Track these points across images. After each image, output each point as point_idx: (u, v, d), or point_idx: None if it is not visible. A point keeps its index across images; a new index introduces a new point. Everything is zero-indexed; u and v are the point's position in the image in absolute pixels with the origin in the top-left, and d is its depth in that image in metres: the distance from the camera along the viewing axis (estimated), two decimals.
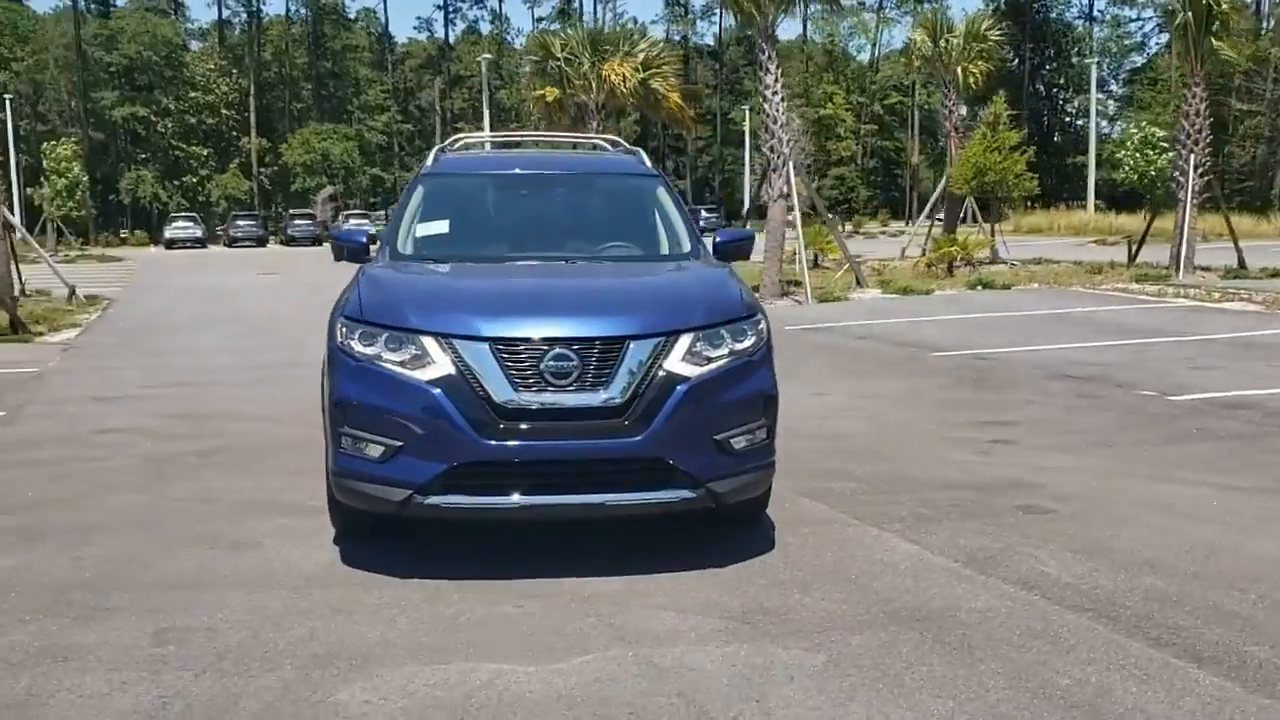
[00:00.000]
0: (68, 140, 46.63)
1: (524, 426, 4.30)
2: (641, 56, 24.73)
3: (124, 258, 43.54)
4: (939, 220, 27.47)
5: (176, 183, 71.47)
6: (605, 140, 7.35)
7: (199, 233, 53.74)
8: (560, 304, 4.74)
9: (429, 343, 4.37)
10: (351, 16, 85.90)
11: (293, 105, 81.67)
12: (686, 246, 5.69)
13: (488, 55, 53.73)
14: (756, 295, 17.11)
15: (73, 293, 21.43)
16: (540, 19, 79.90)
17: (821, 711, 3.29)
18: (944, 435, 7.23)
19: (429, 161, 6.27)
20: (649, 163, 6.35)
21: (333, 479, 4.58)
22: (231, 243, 52.63)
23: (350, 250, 5.64)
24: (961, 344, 11.53)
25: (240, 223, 54.50)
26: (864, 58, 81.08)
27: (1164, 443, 6.90)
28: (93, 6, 78.68)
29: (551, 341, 4.34)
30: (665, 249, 5.74)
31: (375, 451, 4.38)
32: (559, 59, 25.43)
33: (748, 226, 21.11)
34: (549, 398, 4.31)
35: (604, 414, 4.33)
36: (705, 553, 4.74)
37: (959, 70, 26.80)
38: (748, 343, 4.66)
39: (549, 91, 26.23)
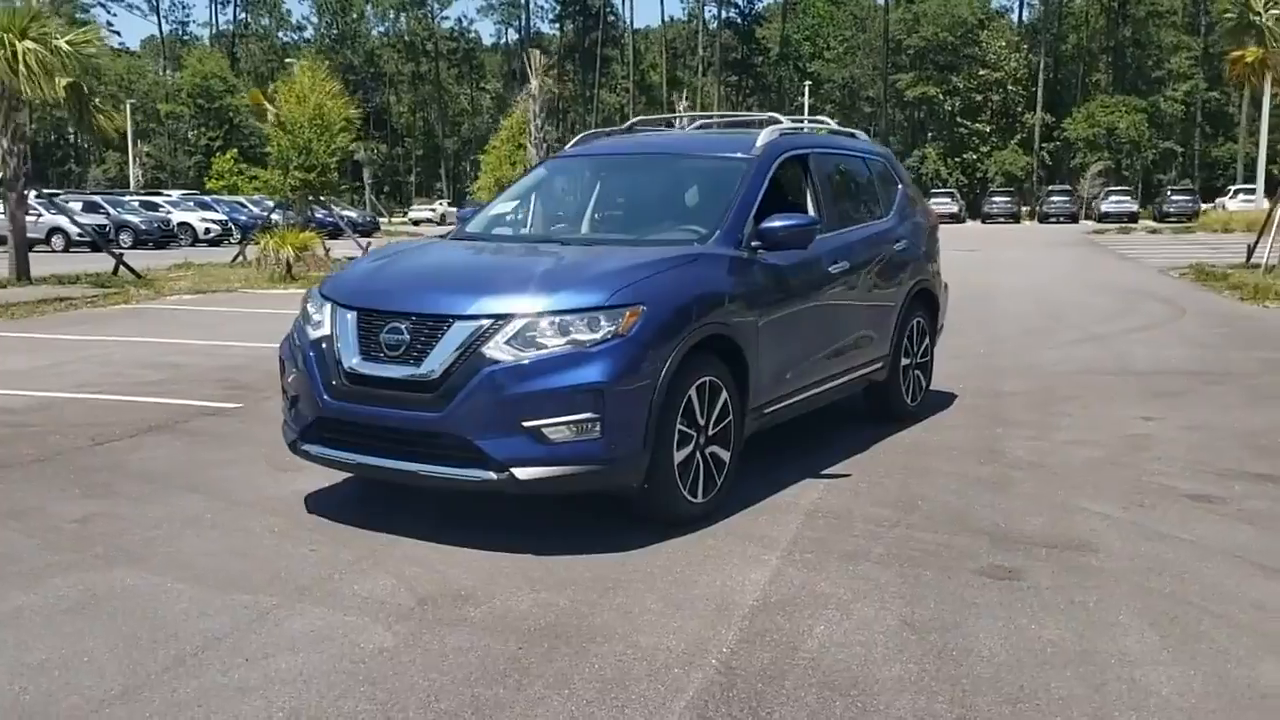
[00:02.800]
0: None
1: (357, 390, 4.76)
2: None
3: None
4: None
5: (957, 159, 73.81)
6: (765, 118, 6.98)
7: (955, 208, 55.78)
8: (428, 282, 5.05)
9: (327, 309, 5.02)
10: None
11: (1086, 78, 79.30)
12: (703, 230, 5.49)
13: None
14: None
15: None
16: None
17: (257, 671, 3.46)
18: (1161, 484, 5.72)
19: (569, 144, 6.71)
20: (762, 142, 6.04)
21: None
22: (986, 219, 55.05)
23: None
24: None
25: (996, 200, 57.35)
26: None
27: None
28: None
29: (393, 315, 4.73)
30: (682, 233, 5.60)
31: (288, 400, 5.18)
32: (1258, 12, 22.03)
33: None
34: (379, 367, 4.70)
35: (417, 387, 4.60)
36: (590, 538, 4.76)
37: None
38: (597, 334, 4.56)
39: (1249, 53, 22.88)
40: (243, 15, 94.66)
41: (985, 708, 3.27)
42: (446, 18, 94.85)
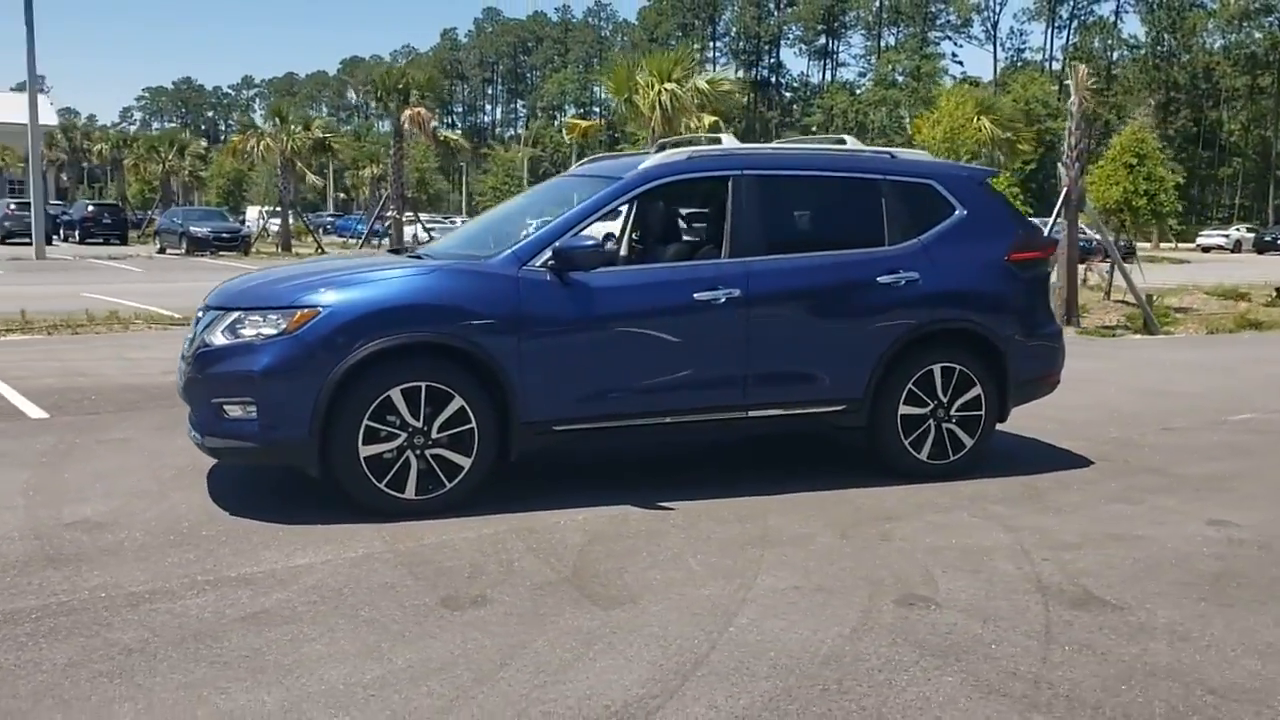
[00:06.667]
0: None
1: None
2: None
3: None
4: None
5: None
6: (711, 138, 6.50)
7: None
8: (241, 283, 6.06)
9: None
10: None
11: None
12: (496, 247, 5.85)
13: None
14: None
15: None
16: None
17: None
18: (926, 574, 4.65)
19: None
20: (645, 165, 6.05)
21: None
22: None
23: None
24: None
25: None
26: None
27: None
28: None
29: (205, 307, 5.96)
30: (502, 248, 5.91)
31: None
32: None
33: None
34: (186, 346, 5.89)
35: (185, 362, 5.68)
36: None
37: None
38: (272, 330, 5.33)
39: None
40: (1074, 39, 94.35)
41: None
42: None
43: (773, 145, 6.80)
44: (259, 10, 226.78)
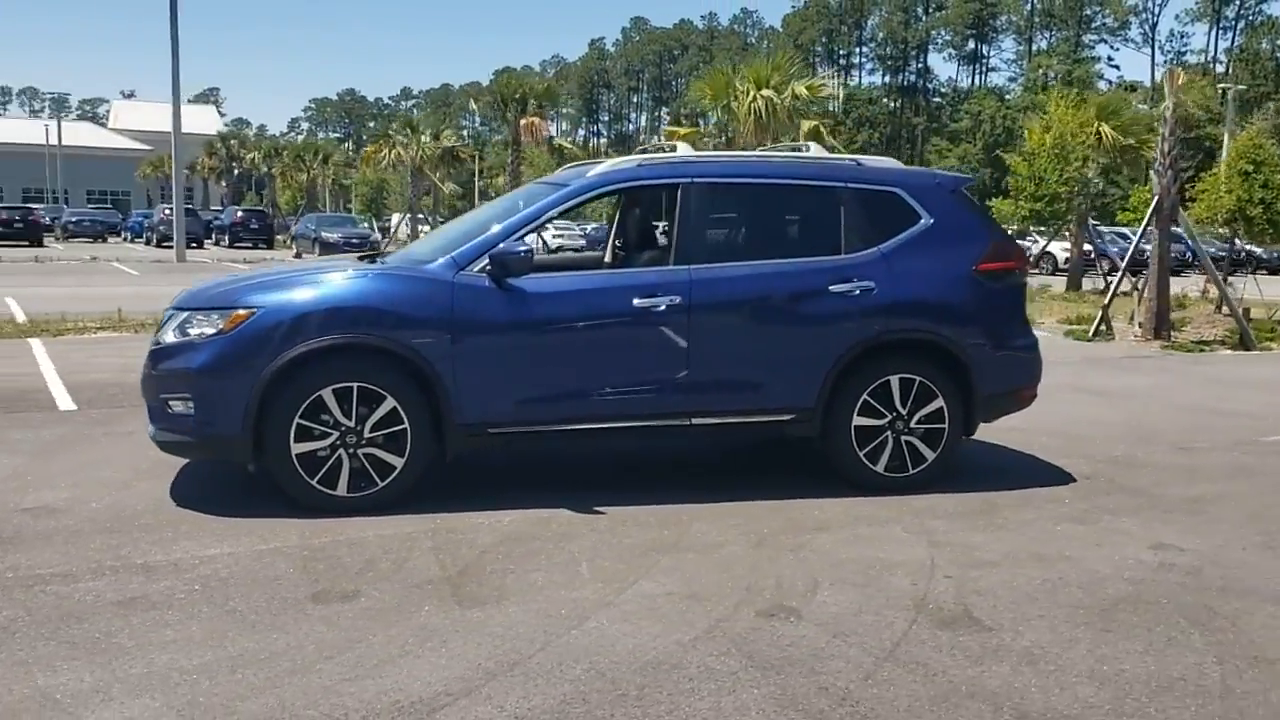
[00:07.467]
0: None
1: None
2: None
3: None
4: None
5: None
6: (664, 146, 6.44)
7: None
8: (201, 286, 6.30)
9: None
10: None
11: None
12: (434, 255, 5.96)
13: None
14: None
15: None
16: None
17: None
18: (812, 580, 4.63)
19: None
20: (594, 173, 6.13)
21: None
22: None
23: None
24: None
25: None
26: None
27: None
28: None
29: None
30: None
31: None
32: None
33: None
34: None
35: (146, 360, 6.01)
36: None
37: None
38: (210, 330, 5.57)
39: None
40: (1240, 40, 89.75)
41: None
42: None
43: (729, 154, 6.75)
44: (418, 21, 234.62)
